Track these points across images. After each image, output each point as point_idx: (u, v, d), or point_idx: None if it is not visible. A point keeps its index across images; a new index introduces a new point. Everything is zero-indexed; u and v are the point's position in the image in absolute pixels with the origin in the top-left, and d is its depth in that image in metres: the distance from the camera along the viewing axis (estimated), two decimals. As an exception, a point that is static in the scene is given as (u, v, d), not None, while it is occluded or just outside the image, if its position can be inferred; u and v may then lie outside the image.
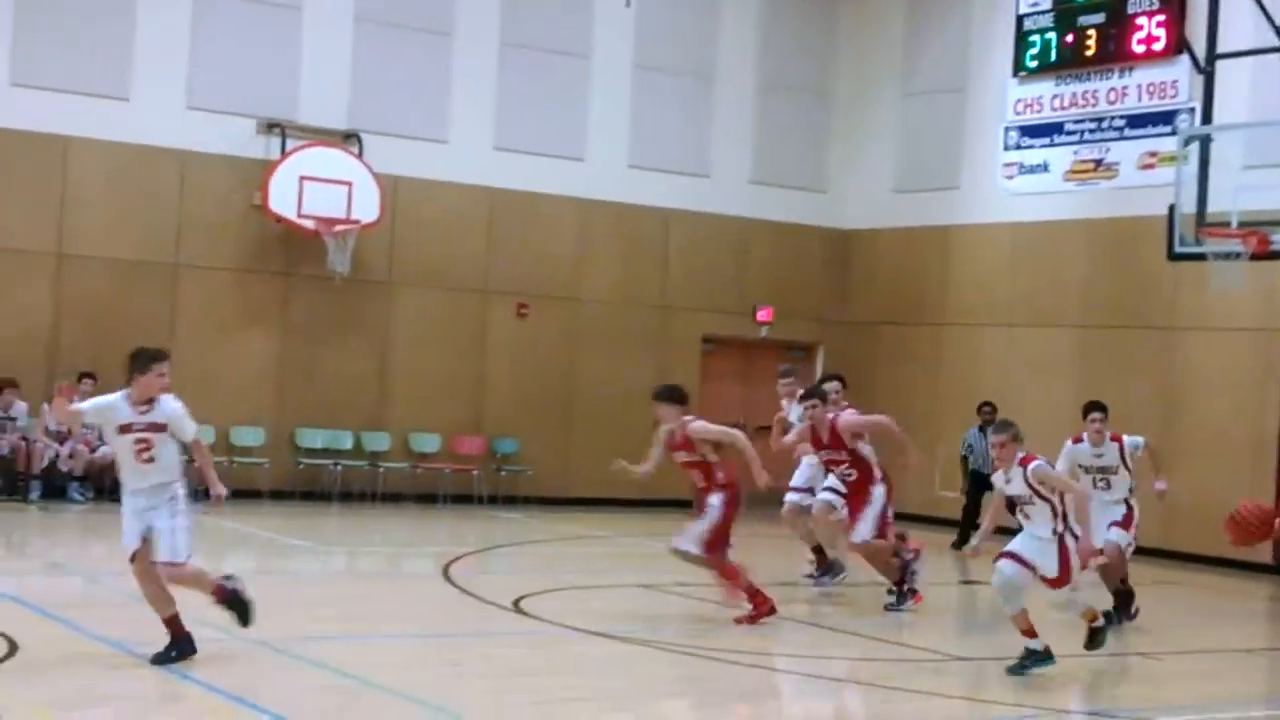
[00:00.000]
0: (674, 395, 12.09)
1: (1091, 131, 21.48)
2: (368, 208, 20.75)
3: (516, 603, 12.42)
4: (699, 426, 11.99)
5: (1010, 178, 22.51)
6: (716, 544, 11.99)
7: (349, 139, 21.13)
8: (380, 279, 21.52)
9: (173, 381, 9.65)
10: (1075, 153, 21.65)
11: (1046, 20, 21.96)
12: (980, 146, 23.00)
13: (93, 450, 19.25)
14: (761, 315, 24.23)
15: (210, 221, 20.47)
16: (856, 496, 13.25)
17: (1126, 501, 13.16)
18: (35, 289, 19.49)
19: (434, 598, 12.85)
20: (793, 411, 14.15)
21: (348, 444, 21.21)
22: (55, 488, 19.11)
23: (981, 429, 19.65)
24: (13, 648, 9.00)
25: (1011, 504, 10.39)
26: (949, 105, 23.53)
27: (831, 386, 13.92)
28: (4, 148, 19.25)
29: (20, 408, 19.01)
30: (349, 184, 20.61)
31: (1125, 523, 13.04)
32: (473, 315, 22.20)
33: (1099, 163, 21.37)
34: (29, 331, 19.43)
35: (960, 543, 19.40)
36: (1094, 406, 13.26)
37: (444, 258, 21.90)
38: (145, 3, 20.05)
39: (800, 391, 13.94)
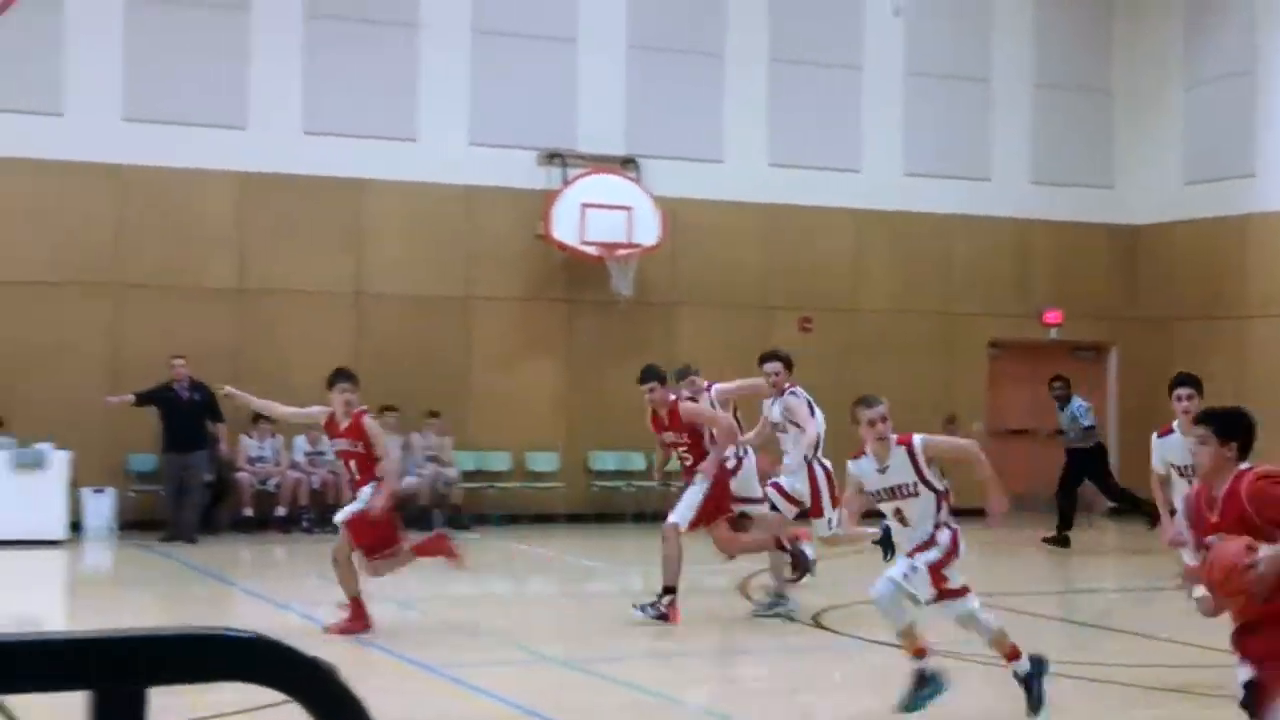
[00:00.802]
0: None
1: (1394, 107, 20.49)
2: (648, 231, 21.03)
3: (816, 617, 12.41)
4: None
5: (1308, 161, 21.61)
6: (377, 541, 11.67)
7: (627, 164, 21.47)
8: (663, 300, 21.77)
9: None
10: (1377, 130, 20.69)
11: (1338, -5, 21.05)
12: (1274, 130, 22.12)
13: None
14: (1050, 317, 23.74)
15: (496, 253, 21.02)
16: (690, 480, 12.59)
17: None
18: (337, 328, 20.29)
19: (733, 614, 12.92)
20: (773, 410, 13.18)
21: (639, 465, 21.49)
22: (363, 518, 19.78)
23: (1061, 406, 18.88)
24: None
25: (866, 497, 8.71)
26: (1237, 90, 22.71)
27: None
28: (302, 194, 20.11)
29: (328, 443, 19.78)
30: (629, 209, 20.93)
31: None
32: (755, 332, 22.25)
33: (1404, 139, 20.36)
34: (332, 369, 20.15)
35: (1059, 540, 18.42)
36: (1181, 380, 10.20)
37: (725, 276, 22.04)
38: (428, 46, 20.74)
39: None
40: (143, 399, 18.36)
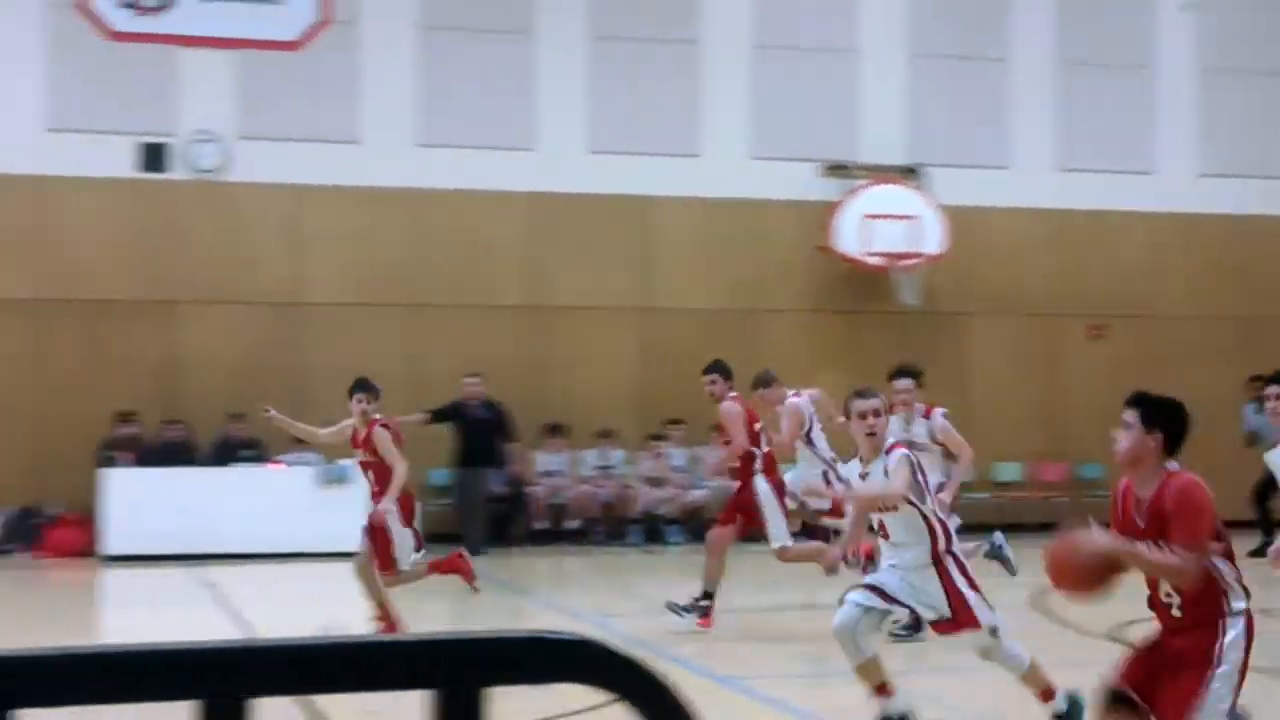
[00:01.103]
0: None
1: None
2: (933, 240, 20.83)
3: (1111, 631, 12.10)
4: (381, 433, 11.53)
5: None
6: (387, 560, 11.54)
7: (910, 174, 21.30)
8: (950, 310, 21.51)
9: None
10: None
11: None
12: None
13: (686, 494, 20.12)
14: (1359, 320, 22.68)
15: (780, 266, 21.08)
16: (741, 495, 12.41)
17: None
18: (624, 342, 20.62)
19: (1027, 628, 12.67)
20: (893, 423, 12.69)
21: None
22: (653, 530, 20.06)
23: (1258, 405, 17.25)
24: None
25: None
26: None
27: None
28: (589, 212, 20.52)
29: (617, 456, 20.11)
30: (914, 218, 20.77)
31: None
32: (1046, 339, 21.86)
33: None
34: (620, 383, 20.55)
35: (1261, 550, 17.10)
36: (1275, 378, 10.06)
37: (1013, 284, 21.68)
38: (709, 62, 20.95)
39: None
40: (436, 416, 18.92)
